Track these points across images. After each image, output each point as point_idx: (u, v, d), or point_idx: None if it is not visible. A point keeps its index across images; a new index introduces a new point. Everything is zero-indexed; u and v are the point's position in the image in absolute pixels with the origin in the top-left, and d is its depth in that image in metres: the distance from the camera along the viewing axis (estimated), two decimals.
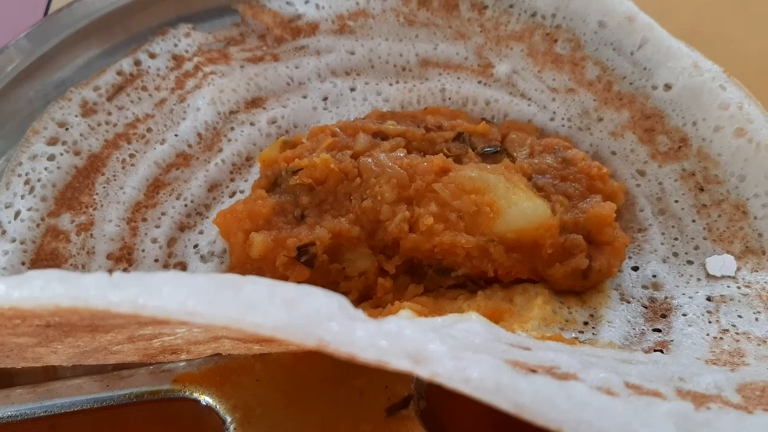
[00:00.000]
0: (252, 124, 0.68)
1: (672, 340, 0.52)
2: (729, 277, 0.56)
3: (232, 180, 0.66)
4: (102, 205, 0.63)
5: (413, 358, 0.24)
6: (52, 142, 0.65)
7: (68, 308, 0.24)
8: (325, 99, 0.70)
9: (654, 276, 0.57)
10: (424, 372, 0.24)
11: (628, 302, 0.56)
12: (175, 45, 0.71)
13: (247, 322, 0.24)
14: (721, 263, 0.56)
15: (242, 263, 0.57)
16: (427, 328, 0.27)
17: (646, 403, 0.29)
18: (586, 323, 0.54)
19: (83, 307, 0.24)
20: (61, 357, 0.43)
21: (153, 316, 0.24)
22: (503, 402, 0.24)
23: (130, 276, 0.25)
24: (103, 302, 0.24)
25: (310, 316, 0.25)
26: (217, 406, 0.52)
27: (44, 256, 0.60)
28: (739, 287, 0.55)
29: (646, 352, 0.52)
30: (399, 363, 0.24)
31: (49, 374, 0.56)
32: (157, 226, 0.62)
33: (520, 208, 0.54)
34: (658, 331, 0.54)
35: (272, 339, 0.26)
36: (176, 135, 0.67)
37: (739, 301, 0.54)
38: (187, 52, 0.71)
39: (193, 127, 0.67)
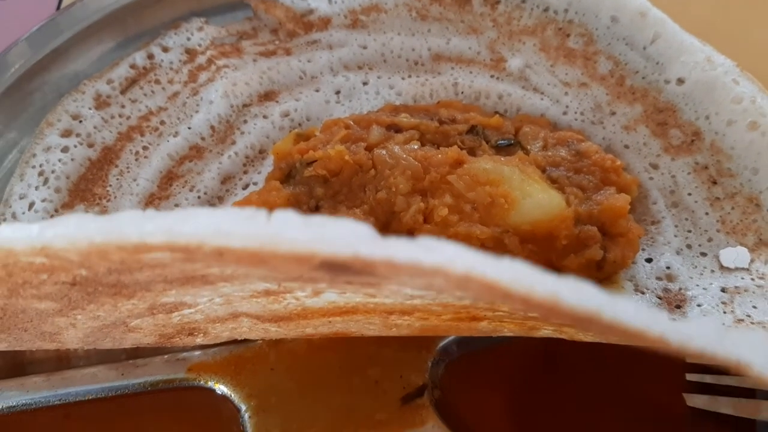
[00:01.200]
0: (265, 117, 0.68)
1: None
2: (743, 269, 0.56)
3: (245, 172, 0.66)
4: (115, 197, 0.63)
5: (446, 257, 0.24)
6: (66, 134, 0.65)
7: (101, 244, 0.24)
8: (337, 93, 0.70)
9: (668, 267, 0.57)
10: (458, 266, 0.24)
11: (643, 293, 0.56)
12: (188, 39, 0.72)
13: (282, 238, 0.24)
14: (735, 255, 0.56)
15: None
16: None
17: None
18: None
19: (117, 241, 0.24)
20: (78, 333, 0.43)
21: (186, 245, 0.24)
22: (540, 288, 0.24)
23: (163, 212, 0.26)
24: (138, 232, 0.24)
25: (344, 234, 0.25)
26: (232, 395, 0.53)
27: None
28: (753, 279, 0.55)
29: None
30: (432, 259, 0.24)
31: (63, 363, 0.56)
32: None
33: (535, 199, 0.54)
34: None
35: (305, 259, 0.26)
36: (189, 128, 0.67)
37: (753, 293, 0.54)
38: (200, 45, 0.71)
39: (206, 120, 0.67)
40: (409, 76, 0.70)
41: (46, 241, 0.24)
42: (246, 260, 0.26)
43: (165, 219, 0.24)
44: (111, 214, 0.25)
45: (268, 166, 0.65)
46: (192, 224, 0.24)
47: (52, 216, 0.61)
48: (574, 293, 0.24)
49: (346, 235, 0.24)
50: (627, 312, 0.24)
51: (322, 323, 0.42)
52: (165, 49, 0.71)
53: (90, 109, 0.66)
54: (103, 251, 0.24)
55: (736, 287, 0.55)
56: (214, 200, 0.64)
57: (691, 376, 0.54)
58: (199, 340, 0.50)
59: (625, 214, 0.55)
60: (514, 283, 0.25)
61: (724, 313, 0.53)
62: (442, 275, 0.25)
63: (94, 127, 0.66)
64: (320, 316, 0.39)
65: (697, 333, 0.25)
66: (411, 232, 0.55)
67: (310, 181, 0.58)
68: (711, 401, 0.52)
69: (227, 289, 0.33)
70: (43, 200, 0.61)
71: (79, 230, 0.24)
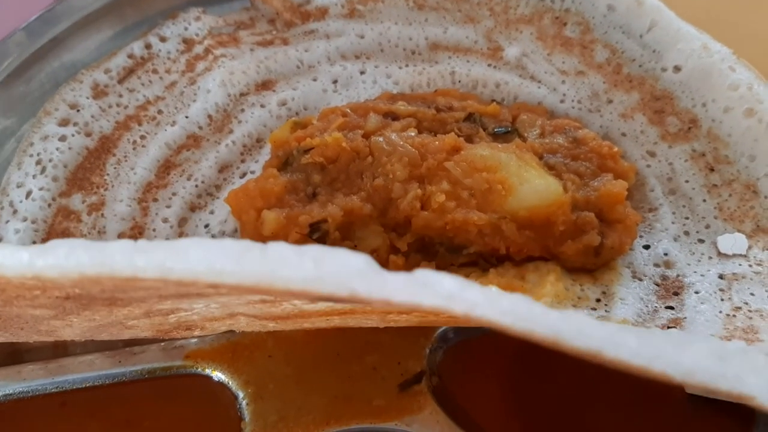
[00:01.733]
0: (262, 106, 0.68)
1: (685, 318, 0.52)
2: (740, 255, 0.56)
3: (242, 161, 0.66)
4: (113, 186, 0.63)
5: (446, 297, 0.24)
6: (64, 123, 0.65)
7: (93, 276, 0.24)
8: (335, 82, 0.70)
9: (665, 254, 0.57)
10: (459, 307, 0.24)
11: (640, 280, 0.56)
12: (186, 28, 0.72)
13: (277, 276, 0.24)
14: (733, 242, 0.56)
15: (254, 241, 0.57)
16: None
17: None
18: (598, 300, 0.54)
19: (108, 274, 0.24)
20: (75, 331, 0.43)
21: (179, 280, 0.24)
22: (542, 329, 0.23)
23: (155, 242, 0.25)
24: (129, 267, 0.24)
25: (340, 269, 0.25)
26: (229, 382, 0.53)
27: (55, 235, 0.60)
28: (750, 265, 0.55)
29: (661, 329, 0.52)
30: (432, 301, 0.24)
31: (60, 351, 0.56)
32: (168, 206, 0.62)
33: (532, 185, 0.54)
34: (671, 308, 0.54)
35: (302, 294, 0.26)
36: (187, 117, 0.67)
37: (751, 279, 0.54)
38: (197, 35, 0.71)
39: (204, 109, 0.67)
40: (407, 65, 0.70)
41: (38, 270, 0.24)
42: (242, 291, 0.25)
43: (157, 253, 0.24)
44: (102, 241, 0.25)
45: (265, 154, 0.65)
46: (184, 261, 0.23)
47: (49, 205, 0.61)
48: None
49: (341, 273, 0.24)
50: (629, 350, 0.24)
51: (320, 321, 0.42)
52: (162, 39, 0.71)
53: (88, 98, 0.66)
54: (95, 280, 0.24)
55: (733, 274, 0.55)
56: (212, 189, 0.64)
57: None
58: (197, 333, 0.50)
59: (623, 200, 0.55)
60: None
61: (722, 300, 0.53)
62: (441, 313, 0.25)
63: (92, 117, 0.65)
64: (318, 316, 0.39)
65: (698, 366, 0.24)
66: (408, 218, 0.55)
67: (307, 169, 0.58)
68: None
69: (224, 300, 0.33)
70: (41, 189, 0.61)
71: (70, 261, 0.24)
